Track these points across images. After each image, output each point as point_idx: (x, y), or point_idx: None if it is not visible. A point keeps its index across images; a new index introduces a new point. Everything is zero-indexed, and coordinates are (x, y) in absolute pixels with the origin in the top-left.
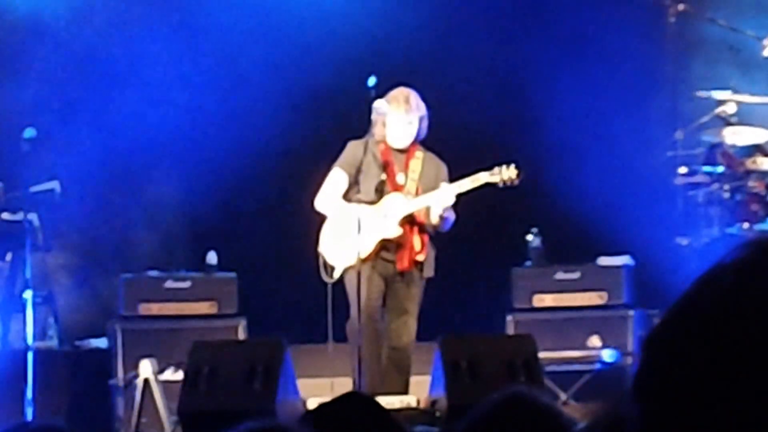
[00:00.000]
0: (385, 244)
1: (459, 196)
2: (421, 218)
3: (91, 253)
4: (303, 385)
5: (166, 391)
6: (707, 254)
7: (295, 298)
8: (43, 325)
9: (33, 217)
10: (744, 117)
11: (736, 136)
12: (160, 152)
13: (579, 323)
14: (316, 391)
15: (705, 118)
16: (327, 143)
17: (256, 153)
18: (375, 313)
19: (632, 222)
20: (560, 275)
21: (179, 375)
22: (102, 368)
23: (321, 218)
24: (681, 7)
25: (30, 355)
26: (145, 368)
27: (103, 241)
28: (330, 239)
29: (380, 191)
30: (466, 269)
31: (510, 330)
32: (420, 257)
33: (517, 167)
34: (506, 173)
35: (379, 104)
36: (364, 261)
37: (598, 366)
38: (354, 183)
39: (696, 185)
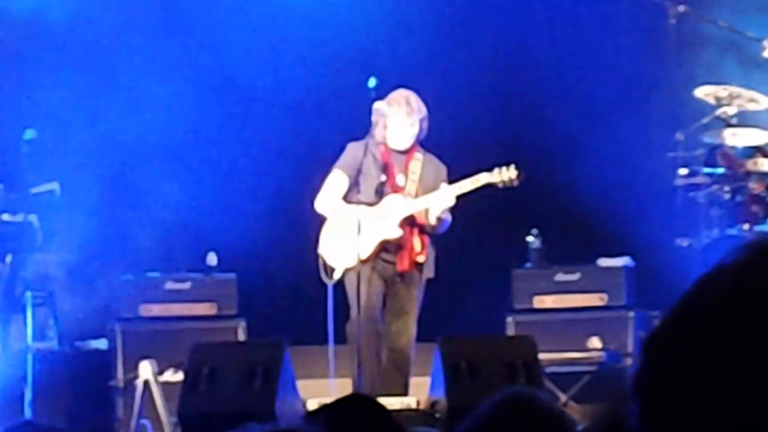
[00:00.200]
0: (385, 245)
1: (459, 197)
2: (421, 219)
3: (91, 254)
4: (303, 386)
5: (166, 392)
6: (707, 255)
7: (295, 299)
8: (42, 327)
9: (33, 218)
10: (744, 118)
11: (736, 138)
12: (160, 153)
13: (579, 324)
14: (316, 392)
15: (705, 120)
16: (327, 145)
17: (257, 154)
18: (375, 314)
19: (632, 223)
20: (560, 276)
21: (179, 376)
22: (102, 369)
23: (321, 219)
24: (681, 8)
25: (30, 357)
26: (145, 369)
27: (103, 243)
28: (330, 240)
29: (380, 193)
30: (466, 270)
31: (510, 331)
32: (420, 258)
33: (517, 168)
34: (506, 174)
35: (379, 106)
36: (363, 262)
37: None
38: (354, 184)
39: (696, 186)
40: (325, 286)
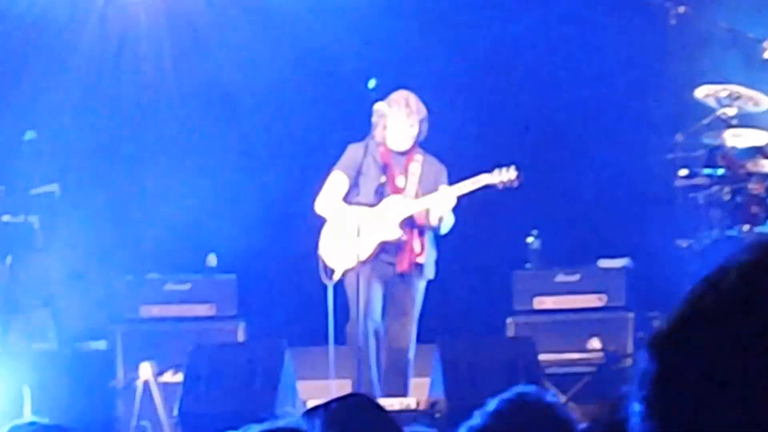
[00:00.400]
0: (384, 246)
1: (459, 198)
2: (421, 220)
3: (91, 255)
4: (303, 387)
5: (166, 392)
6: (707, 256)
7: (295, 300)
8: (42, 328)
9: (33, 219)
10: (744, 119)
11: (736, 139)
12: (161, 154)
13: (579, 325)
14: (316, 393)
15: (705, 121)
16: (327, 146)
17: (257, 155)
18: (375, 315)
19: (632, 224)
20: (560, 277)
21: (179, 377)
22: (102, 370)
23: (321, 221)
24: (681, 8)
25: (30, 358)
26: (145, 370)
27: (103, 244)
28: (330, 241)
29: (380, 194)
30: (466, 271)
31: (510, 332)
32: (420, 259)
33: (516, 169)
34: (506, 175)
35: (379, 107)
36: (363, 263)
37: None
38: (354, 185)
39: (696, 187)
40: (325, 287)
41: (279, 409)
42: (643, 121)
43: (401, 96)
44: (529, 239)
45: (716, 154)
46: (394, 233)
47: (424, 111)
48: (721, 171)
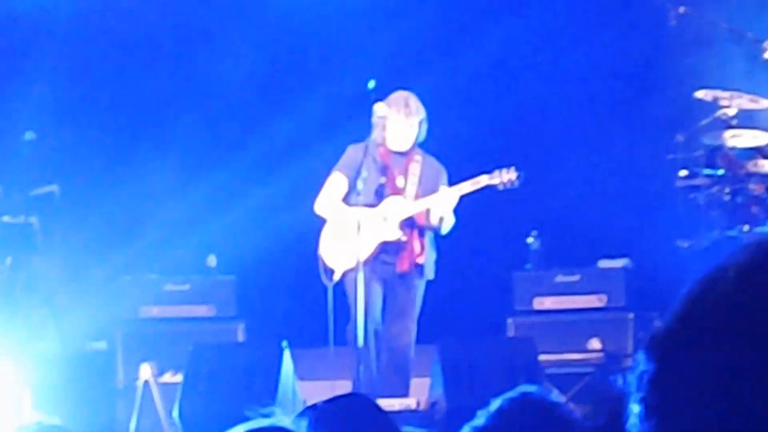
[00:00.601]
0: (384, 247)
1: (459, 199)
2: (421, 221)
3: (90, 256)
4: (303, 388)
5: (165, 393)
6: (707, 257)
7: (294, 301)
8: (43, 328)
9: (33, 220)
10: (745, 120)
11: (736, 139)
12: (160, 155)
13: (579, 326)
14: (316, 393)
15: (705, 121)
16: (327, 147)
17: (256, 156)
18: (375, 315)
19: (632, 224)
20: (560, 278)
21: (179, 377)
22: (102, 371)
23: (321, 221)
24: (682, 9)
25: (30, 358)
26: (145, 371)
27: (102, 244)
28: (330, 242)
29: (380, 194)
30: (467, 272)
31: (510, 332)
32: (420, 260)
33: (516, 169)
34: (506, 176)
35: (378, 107)
36: (363, 263)
37: None
38: (353, 186)
39: (696, 188)
40: (325, 287)
41: (278, 409)
42: (643, 121)
43: (401, 97)
44: (529, 240)
45: (716, 154)
46: (394, 234)
47: (423, 112)
48: (721, 171)
